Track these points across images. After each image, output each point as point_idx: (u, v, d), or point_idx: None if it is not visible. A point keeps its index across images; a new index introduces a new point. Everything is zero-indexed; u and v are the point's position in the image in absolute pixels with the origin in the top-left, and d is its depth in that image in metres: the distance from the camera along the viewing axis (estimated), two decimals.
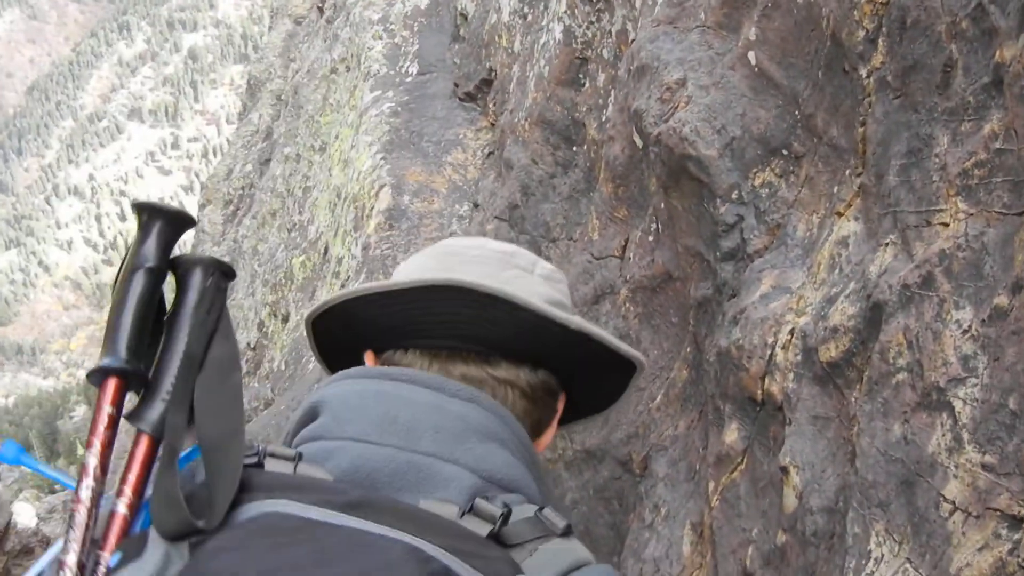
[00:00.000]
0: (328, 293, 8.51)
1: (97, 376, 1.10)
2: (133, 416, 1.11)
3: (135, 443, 1.10)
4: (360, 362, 1.26)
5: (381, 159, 8.05)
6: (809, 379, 2.97)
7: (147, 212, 1.14)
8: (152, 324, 1.11)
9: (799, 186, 3.46)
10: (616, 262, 4.72)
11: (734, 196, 3.62)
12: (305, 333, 1.34)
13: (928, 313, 2.38)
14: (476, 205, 7.14)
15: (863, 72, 2.91)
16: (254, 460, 1.09)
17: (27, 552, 13.15)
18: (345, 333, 1.26)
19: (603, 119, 5.18)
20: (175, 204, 1.18)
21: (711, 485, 3.55)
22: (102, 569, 1.02)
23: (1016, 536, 1.99)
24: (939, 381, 2.28)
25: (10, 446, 1.21)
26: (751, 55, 3.67)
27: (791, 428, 3.00)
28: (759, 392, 3.23)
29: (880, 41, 2.82)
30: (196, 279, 1.12)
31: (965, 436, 2.18)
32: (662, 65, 4.03)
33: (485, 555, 1.00)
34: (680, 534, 3.80)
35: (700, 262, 3.87)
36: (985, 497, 2.09)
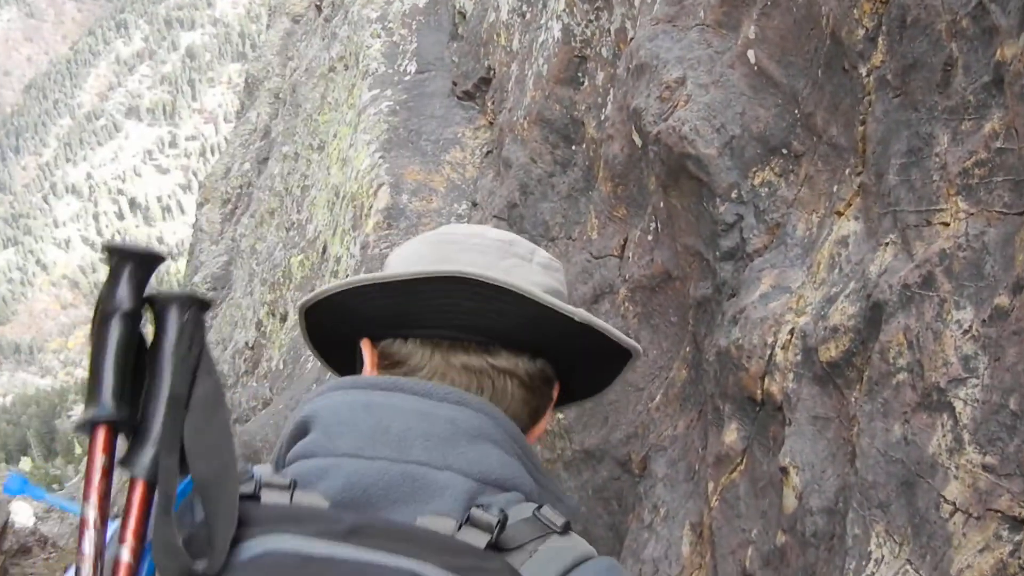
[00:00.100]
0: None
1: (86, 427, 1.10)
2: (126, 463, 1.10)
3: (131, 488, 1.10)
4: (355, 351, 1.26)
5: (379, 158, 8.03)
6: (809, 379, 2.96)
7: (117, 255, 1.13)
8: (133, 366, 1.11)
9: (799, 185, 3.45)
10: (615, 261, 4.71)
11: (733, 195, 3.61)
12: (298, 323, 1.33)
13: (928, 313, 2.37)
14: (475, 204, 7.14)
15: (863, 71, 2.90)
16: (251, 490, 1.09)
17: (25, 551, 13.14)
18: (339, 322, 1.26)
19: (602, 118, 5.17)
20: (143, 243, 1.17)
21: (710, 485, 3.54)
22: None
23: (1017, 537, 1.99)
24: (939, 381, 2.28)
25: (14, 479, 1.21)
26: (750, 53, 3.66)
27: (791, 428, 2.99)
28: (759, 392, 3.22)
29: (880, 39, 2.81)
30: (173, 317, 1.11)
31: (966, 437, 2.17)
32: (661, 63, 4.02)
33: (484, 567, 1.00)
34: (679, 534, 3.79)
35: (699, 261, 3.86)
36: (986, 498, 2.08)
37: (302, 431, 1.15)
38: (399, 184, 7.70)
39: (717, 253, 3.70)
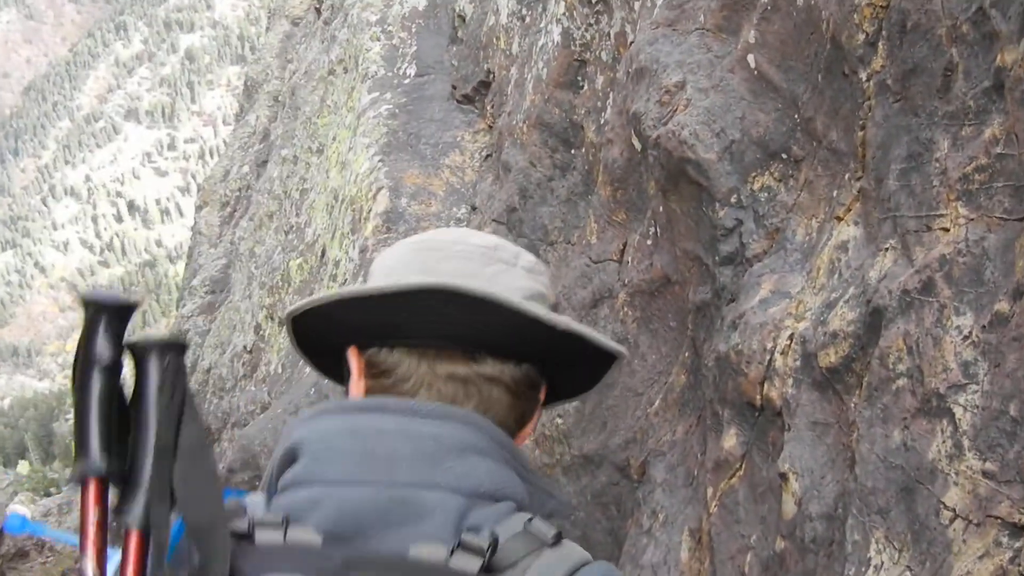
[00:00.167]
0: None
1: (77, 482, 1.12)
2: (118, 514, 1.12)
3: (126, 539, 1.11)
4: (342, 358, 1.26)
5: (379, 161, 8.03)
6: (808, 385, 2.96)
7: (92, 307, 1.15)
8: (118, 416, 1.13)
9: (798, 190, 3.45)
10: (614, 266, 4.70)
11: (733, 200, 3.61)
12: (287, 331, 1.34)
13: (928, 319, 2.37)
14: (474, 208, 7.13)
15: (863, 75, 2.90)
16: (244, 528, 1.11)
17: (22, 555, 13.12)
18: (326, 331, 1.26)
19: (601, 122, 5.17)
20: (116, 291, 1.19)
21: (709, 491, 3.53)
22: None
23: (1017, 544, 1.98)
24: (939, 387, 2.27)
25: (14, 518, 1.24)
26: (750, 58, 3.66)
27: (790, 434, 2.98)
28: (758, 397, 3.22)
29: (880, 44, 2.81)
30: (153, 365, 1.13)
31: (965, 443, 2.17)
32: (661, 68, 4.02)
33: None
34: (678, 540, 3.79)
35: (699, 266, 3.86)
36: (986, 504, 2.07)
37: (291, 458, 1.16)
38: (398, 188, 7.69)
39: (716, 258, 3.69)
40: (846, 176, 3.09)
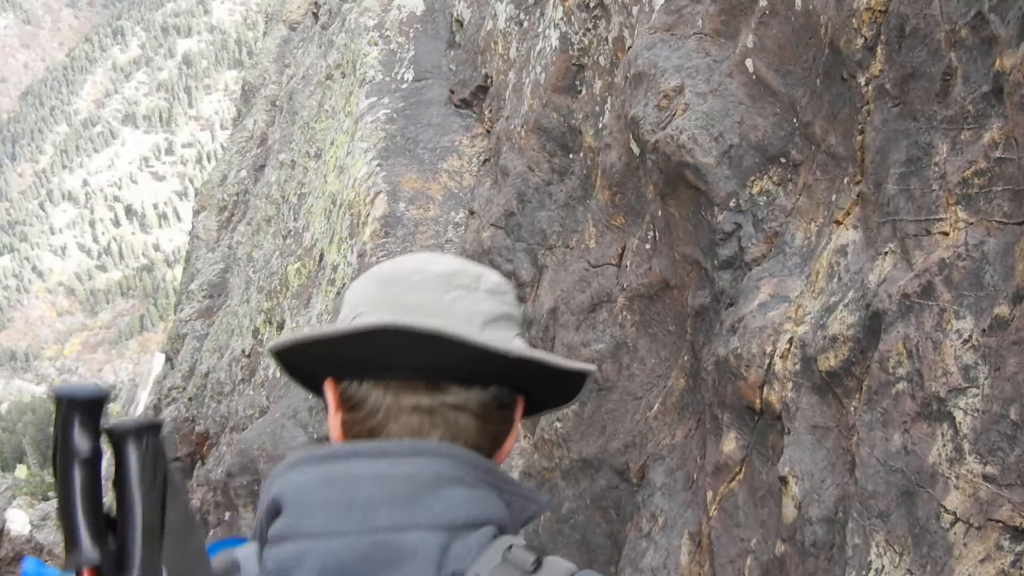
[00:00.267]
0: (323, 301, 8.49)
1: (71, 573, 1.15)
2: None
3: None
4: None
5: (377, 166, 8.03)
6: (808, 388, 2.96)
7: (65, 403, 1.17)
8: (101, 504, 1.17)
9: (797, 194, 3.45)
10: (613, 270, 4.70)
11: (732, 204, 3.61)
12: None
13: (928, 323, 2.37)
14: (472, 212, 7.13)
15: (862, 80, 2.91)
16: None
17: (20, 559, 13.10)
18: (304, 364, 1.29)
19: (600, 126, 5.17)
20: (87, 383, 1.22)
21: (709, 494, 3.53)
22: None
23: (1018, 548, 1.98)
24: (939, 391, 2.27)
25: (29, 561, 1.27)
26: (749, 62, 3.66)
27: (790, 437, 2.98)
28: (758, 401, 3.22)
29: (879, 49, 2.81)
30: (132, 450, 1.16)
31: (966, 446, 2.17)
32: (659, 72, 4.02)
33: None
34: (678, 543, 3.79)
35: (698, 270, 3.86)
36: (986, 508, 2.07)
37: (275, 510, 1.19)
38: (396, 192, 7.70)
39: (715, 262, 3.70)
40: (845, 180, 3.10)
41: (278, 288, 10.20)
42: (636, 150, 4.31)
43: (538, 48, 6.20)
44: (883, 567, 2.38)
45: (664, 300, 4.26)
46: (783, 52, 3.51)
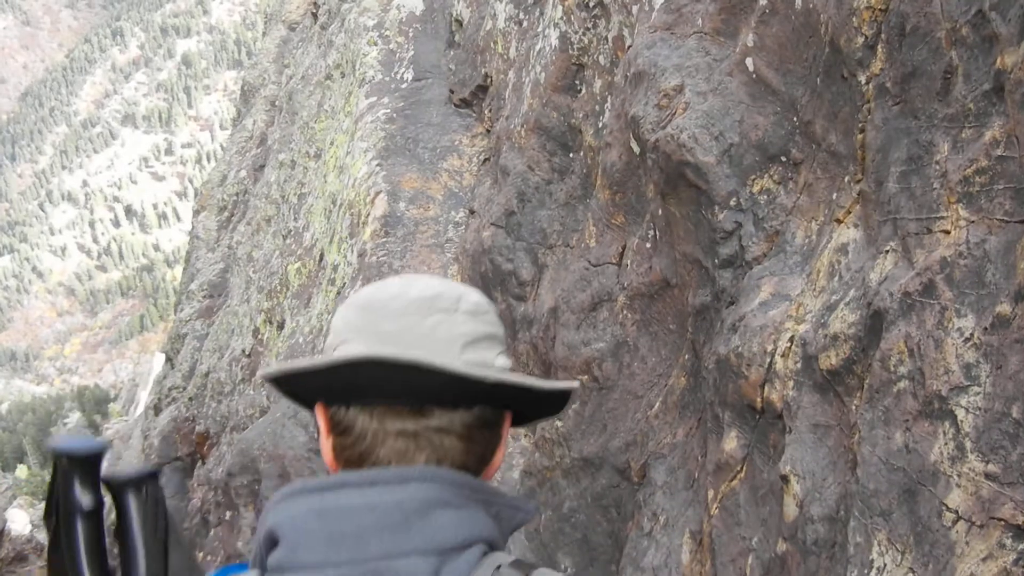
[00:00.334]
0: (324, 300, 8.49)
1: None
2: None
3: None
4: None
5: (377, 165, 8.03)
6: (809, 387, 2.96)
7: (66, 459, 1.21)
8: (106, 555, 1.20)
9: (798, 193, 3.45)
10: (613, 269, 4.70)
11: (732, 203, 3.61)
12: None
13: (929, 321, 2.37)
14: (472, 211, 7.13)
15: (862, 78, 2.91)
16: None
17: (21, 559, 13.10)
18: (295, 389, 1.31)
19: (600, 125, 5.17)
20: (84, 437, 1.26)
21: (710, 493, 3.53)
22: None
23: (1021, 546, 1.98)
24: (941, 389, 2.27)
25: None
26: (749, 61, 3.66)
27: (791, 436, 2.98)
28: (759, 400, 3.22)
29: (879, 47, 2.81)
30: (132, 500, 1.21)
31: (968, 445, 2.17)
32: (659, 71, 4.02)
33: None
34: (679, 542, 3.79)
35: (698, 269, 3.86)
36: (989, 507, 2.07)
37: (272, 541, 1.22)
38: (396, 192, 7.70)
39: (716, 261, 3.70)
40: (846, 179, 3.09)
41: (278, 288, 10.20)
42: (636, 149, 4.31)
43: (538, 47, 6.20)
44: (885, 566, 2.38)
45: (665, 299, 4.26)
46: (783, 51, 3.50)
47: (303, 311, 9.22)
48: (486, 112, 7.88)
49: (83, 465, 1.19)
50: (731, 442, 3.39)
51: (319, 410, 1.28)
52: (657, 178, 4.00)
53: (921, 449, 2.32)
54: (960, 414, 2.20)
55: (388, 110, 8.71)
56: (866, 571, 2.45)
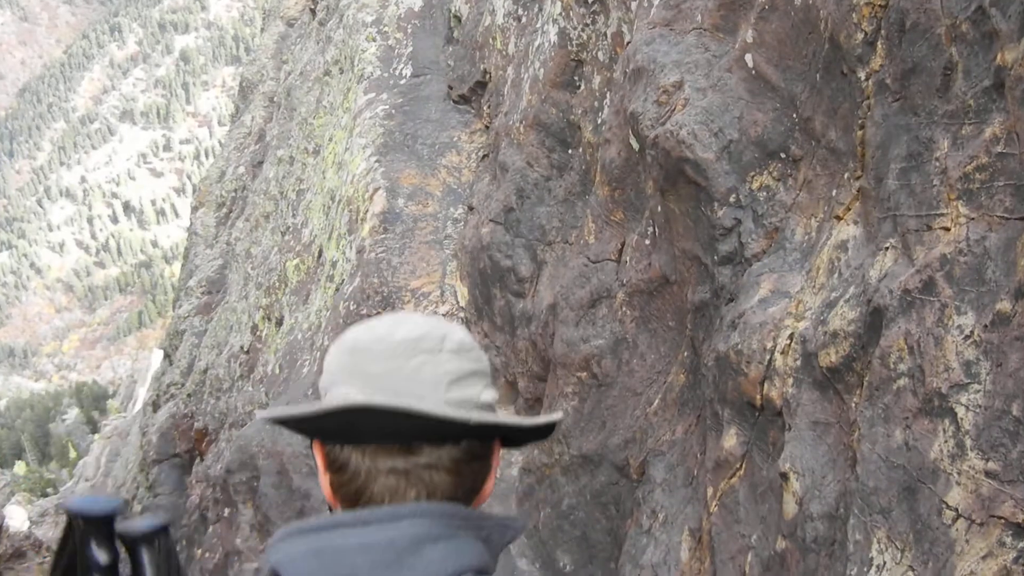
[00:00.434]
0: (322, 297, 8.48)
1: None
2: None
3: None
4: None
5: (375, 162, 8.02)
6: (809, 384, 2.95)
7: (81, 519, 1.26)
8: None
9: (797, 189, 3.44)
10: (613, 265, 4.70)
11: (732, 199, 3.60)
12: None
13: (929, 318, 2.36)
14: (471, 208, 7.12)
15: (862, 75, 2.90)
16: None
17: (19, 555, 13.10)
18: (294, 429, 1.37)
19: (599, 122, 5.16)
20: (99, 497, 1.33)
21: (710, 490, 3.53)
22: None
23: (1021, 544, 1.98)
24: (941, 387, 2.27)
25: None
26: (748, 57, 3.65)
27: (791, 433, 2.98)
28: (758, 397, 3.22)
29: (879, 44, 2.80)
30: (145, 554, 1.26)
31: (968, 442, 2.16)
32: (658, 67, 4.01)
33: None
34: (678, 540, 3.78)
35: (697, 266, 3.85)
36: (989, 504, 2.07)
37: None
38: (395, 188, 7.68)
39: (715, 257, 3.69)
40: (845, 175, 3.09)
41: (277, 284, 10.20)
42: (635, 145, 4.31)
43: (537, 43, 6.19)
44: (884, 563, 2.38)
45: (664, 296, 4.25)
46: (783, 47, 3.50)
47: (302, 307, 9.22)
48: (485, 108, 7.87)
49: (99, 525, 1.25)
50: (730, 439, 3.39)
51: (317, 448, 1.33)
52: (656, 174, 3.99)
53: (921, 447, 2.32)
54: (960, 411, 2.19)
55: (387, 106, 8.70)
56: (866, 569, 2.45)
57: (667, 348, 4.26)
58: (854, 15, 2.89)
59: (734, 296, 3.55)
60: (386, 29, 9.72)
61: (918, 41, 2.56)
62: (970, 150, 2.31)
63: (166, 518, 1.33)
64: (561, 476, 4.79)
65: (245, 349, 10.50)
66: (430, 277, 7.01)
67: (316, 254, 9.28)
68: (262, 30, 20.18)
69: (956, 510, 2.15)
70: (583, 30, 5.47)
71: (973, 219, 2.28)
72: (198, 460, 10.90)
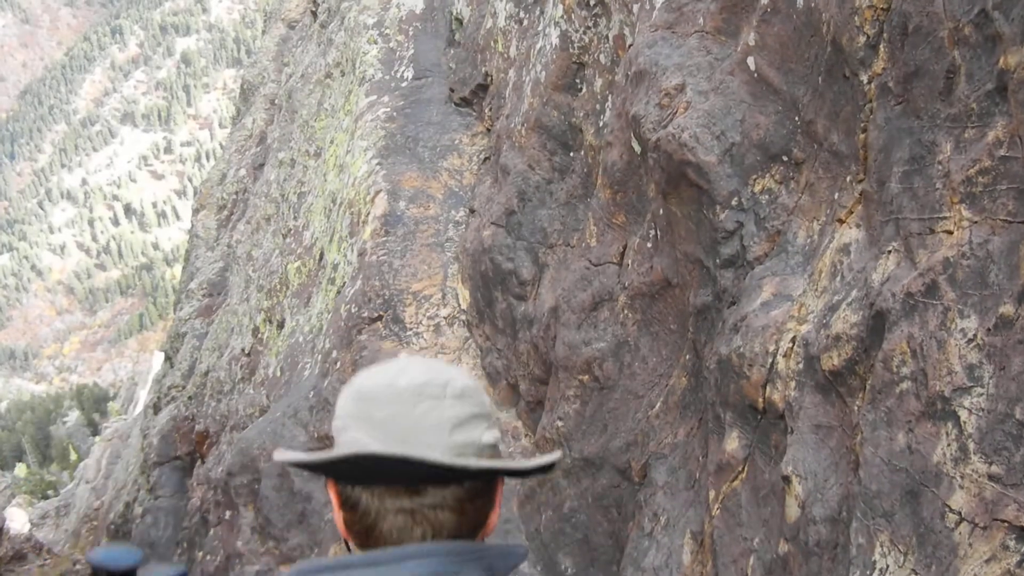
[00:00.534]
0: (324, 299, 8.48)
1: None
2: None
3: None
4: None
5: (377, 164, 8.02)
6: (811, 387, 2.95)
7: (106, 573, 1.36)
8: None
9: (799, 192, 3.44)
10: (614, 268, 4.70)
11: (734, 202, 3.60)
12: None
13: (932, 322, 2.36)
14: (472, 211, 7.12)
15: (864, 78, 2.90)
16: None
17: (19, 558, 13.08)
18: (307, 470, 1.46)
19: (600, 124, 5.16)
20: (121, 549, 1.43)
21: (711, 493, 3.53)
22: None
23: None
24: (944, 390, 2.27)
25: None
26: (750, 60, 3.65)
27: (793, 437, 2.98)
28: (760, 400, 3.21)
29: (881, 47, 2.80)
30: None
31: (971, 446, 2.16)
32: (660, 70, 4.01)
33: None
34: (680, 543, 3.78)
35: (699, 269, 3.85)
36: (992, 508, 2.07)
37: None
38: (396, 191, 7.68)
39: (717, 260, 3.69)
40: (847, 178, 3.09)
41: (278, 287, 10.20)
42: (637, 148, 4.31)
43: (538, 46, 6.19)
44: (888, 567, 2.38)
45: (666, 299, 4.25)
46: (785, 50, 3.50)
47: (303, 310, 9.22)
48: (486, 111, 7.87)
49: None
50: (732, 442, 3.39)
51: (330, 486, 1.41)
52: (658, 177, 3.99)
53: (924, 450, 2.32)
54: (963, 415, 2.19)
55: (388, 109, 8.70)
56: (868, 572, 2.45)
57: (669, 351, 4.25)
58: (856, 18, 2.89)
59: (736, 299, 3.55)
60: (387, 31, 9.72)
61: (920, 44, 2.56)
62: (973, 153, 2.31)
63: (184, 568, 1.41)
64: (563, 479, 4.78)
65: (246, 351, 10.49)
66: (431, 280, 7.01)
67: (317, 257, 9.28)
68: (263, 32, 20.20)
69: (959, 514, 2.15)
70: (585, 33, 5.47)
71: (976, 222, 2.28)
72: (199, 463, 10.89)
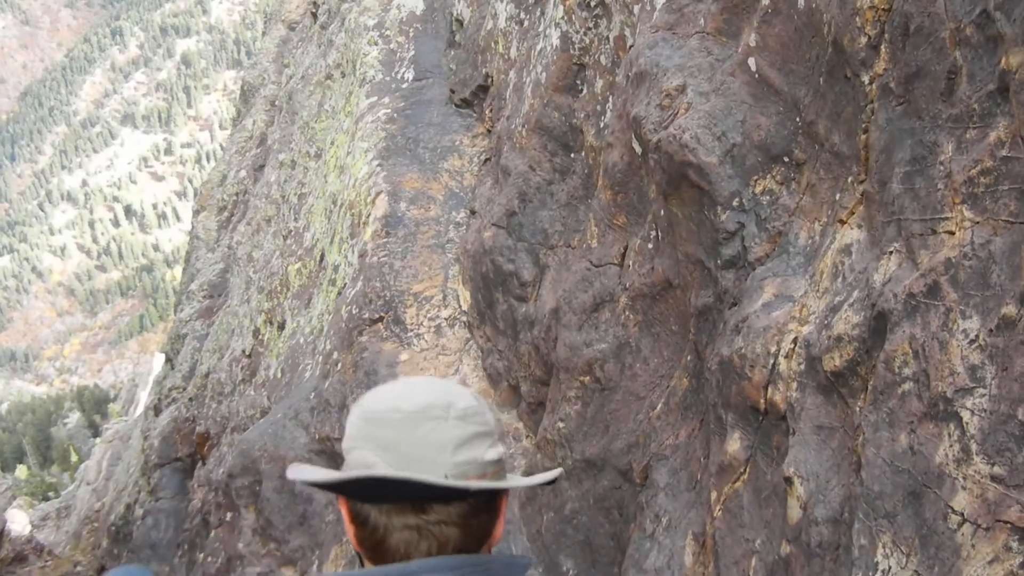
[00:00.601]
0: (324, 301, 8.48)
1: None
2: None
3: None
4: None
5: (377, 165, 8.02)
6: (813, 388, 2.95)
7: None
8: None
9: (801, 193, 3.44)
10: (615, 269, 4.69)
11: (735, 203, 3.60)
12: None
13: (934, 322, 2.36)
14: (473, 212, 7.12)
15: (865, 79, 2.90)
16: None
17: (20, 559, 13.09)
18: (321, 488, 1.52)
19: (601, 125, 5.16)
20: (137, 568, 1.47)
21: (713, 495, 3.52)
22: None
23: None
24: (946, 391, 2.26)
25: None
26: (751, 61, 3.65)
27: (795, 438, 2.97)
28: (762, 401, 3.21)
29: (882, 47, 2.80)
30: None
31: (973, 447, 2.16)
32: (661, 71, 4.01)
33: None
34: (682, 544, 3.78)
35: (701, 270, 3.85)
36: (995, 509, 2.06)
37: None
38: (397, 192, 7.68)
39: (718, 261, 3.69)
40: (849, 179, 3.09)
41: (279, 288, 10.19)
42: (638, 149, 4.30)
43: (539, 47, 6.19)
44: (890, 568, 2.37)
45: (667, 300, 4.25)
46: (786, 51, 3.50)
47: (304, 311, 9.21)
48: (487, 112, 7.87)
49: None
50: (734, 443, 3.39)
51: (341, 502, 1.48)
52: (659, 178, 3.99)
53: (926, 451, 2.32)
54: (965, 416, 2.19)
55: (389, 110, 8.70)
56: (871, 573, 2.44)
57: (670, 352, 4.25)
58: (857, 19, 2.88)
59: (737, 300, 3.55)
60: (388, 33, 9.72)
61: (922, 45, 2.55)
62: (974, 154, 2.31)
63: None
64: (564, 480, 4.78)
65: (247, 353, 10.49)
66: (432, 281, 7.01)
67: (318, 258, 9.28)
68: (263, 34, 20.20)
69: (962, 515, 2.15)
70: (585, 34, 5.47)
71: (978, 223, 2.28)
72: (200, 464, 10.89)
